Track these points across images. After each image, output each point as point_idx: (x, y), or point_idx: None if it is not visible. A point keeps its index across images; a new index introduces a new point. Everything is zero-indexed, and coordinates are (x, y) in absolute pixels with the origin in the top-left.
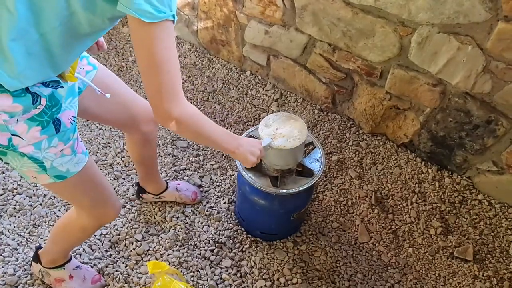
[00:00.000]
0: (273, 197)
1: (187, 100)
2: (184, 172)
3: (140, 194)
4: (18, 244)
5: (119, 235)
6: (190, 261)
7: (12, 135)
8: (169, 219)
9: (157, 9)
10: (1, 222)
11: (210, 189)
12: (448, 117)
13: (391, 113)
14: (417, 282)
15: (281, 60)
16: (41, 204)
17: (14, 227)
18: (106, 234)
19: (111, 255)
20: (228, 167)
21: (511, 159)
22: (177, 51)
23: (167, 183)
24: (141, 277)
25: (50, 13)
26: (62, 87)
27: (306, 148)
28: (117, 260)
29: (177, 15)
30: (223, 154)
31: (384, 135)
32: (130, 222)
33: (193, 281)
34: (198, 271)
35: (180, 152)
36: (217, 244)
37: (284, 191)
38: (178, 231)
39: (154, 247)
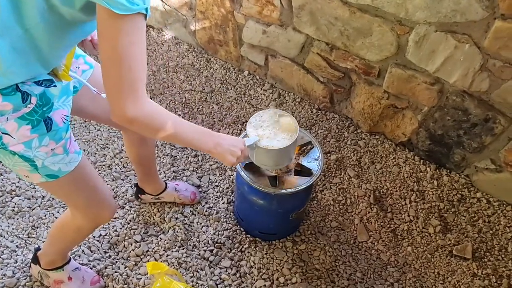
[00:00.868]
0: (271, 197)
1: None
2: (183, 173)
3: (139, 195)
4: (17, 246)
5: (118, 236)
6: (190, 262)
7: (2, 133)
8: (168, 219)
9: (130, 1)
10: (0, 224)
11: (209, 189)
12: (446, 116)
13: (389, 112)
14: (416, 281)
15: (279, 59)
16: (39, 206)
17: (13, 229)
18: (105, 235)
19: (110, 256)
20: (227, 167)
21: (509, 157)
22: (146, 47)
23: (166, 183)
24: (141, 278)
25: (30, 8)
26: (55, 86)
27: (304, 147)
28: (116, 261)
29: (174, 15)
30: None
31: (382, 134)
32: (129, 223)
33: (192, 281)
34: (197, 271)
35: (178, 153)
36: (216, 245)
37: (283, 191)
38: (177, 232)
39: (153, 248)
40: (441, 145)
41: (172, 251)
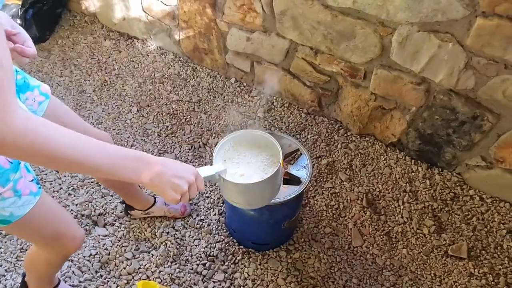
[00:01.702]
0: (261, 208)
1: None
2: None
3: (128, 211)
4: (5, 270)
5: (109, 254)
6: (183, 277)
7: None
8: (159, 234)
9: None
10: None
11: (199, 201)
12: (434, 115)
13: (377, 113)
14: (413, 284)
15: (265, 65)
16: None
17: (1, 252)
18: (96, 254)
19: (101, 275)
20: None
21: (499, 154)
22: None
23: (155, 197)
24: None
25: None
26: None
27: (293, 154)
28: (108, 281)
29: (158, 25)
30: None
31: (372, 136)
32: (119, 241)
33: None
34: (191, 286)
35: None
36: (209, 258)
37: (272, 200)
38: (169, 247)
39: (145, 265)
40: (431, 144)
41: (165, 267)
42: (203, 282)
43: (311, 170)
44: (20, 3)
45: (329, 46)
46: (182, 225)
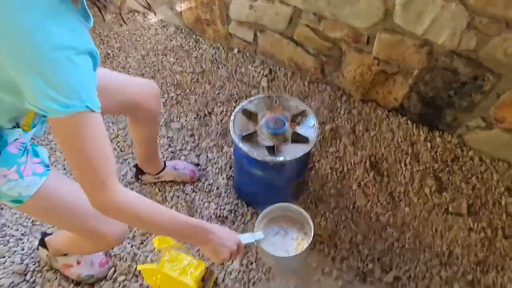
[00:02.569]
0: (270, 167)
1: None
2: (181, 152)
3: (139, 176)
4: (22, 234)
5: None
6: None
7: None
8: (170, 198)
9: (63, 104)
10: (3, 215)
11: (208, 167)
12: (436, 77)
13: (380, 78)
14: (415, 239)
15: (268, 34)
16: None
17: (17, 218)
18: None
19: None
20: (224, 144)
21: (499, 114)
22: (106, 133)
23: (165, 163)
24: (148, 256)
25: None
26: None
27: (300, 115)
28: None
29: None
30: (217, 132)
31: (374, 101)
32: None
33: (198, 255)
34: None
35: (174, 133)
36: (219, 218)
37: (281, 159)
38: (180, 210)
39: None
40: (432, 107)
41: None
42: None
43: (318, 130)
44: None
45: (332, 11)
46: (191, 189)
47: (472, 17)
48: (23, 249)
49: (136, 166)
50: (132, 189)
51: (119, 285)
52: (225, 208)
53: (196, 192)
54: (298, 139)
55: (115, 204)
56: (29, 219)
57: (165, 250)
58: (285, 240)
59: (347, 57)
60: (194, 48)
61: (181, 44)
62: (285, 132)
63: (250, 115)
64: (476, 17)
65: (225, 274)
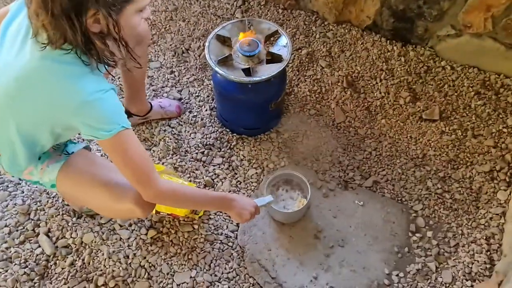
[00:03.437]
0: (248, 89)
1: (153, 21)
2: (163, 90)
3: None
4: (19, 179)
5: None
6: (185, 165)
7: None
8: (157, 133)
9: (106, 130)
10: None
11: (190, 100)
12: None
13: None
14: (392, 146)
15: None
16: None
17: None
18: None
19: None
20: (204, 77)
21: (467, 19)
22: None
23: (151, 103)
24: None
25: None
26: None
27: (273, 36)
28: None
29: None
30: (196, 67)
31: (348, 22)
32: None
33: (190, 181)
34: (193, 171)
35: (154, 72)
36: (206, 146)
37: (258, 78)
38: (168, 142)
39: None
40: (404, 21)
41: (167, 159)
42: (204, 167)
43: (291, 47)
44: None
45: None
46: (177, 122)
47: None
48: (23, 192)
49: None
50: None
51: None
52: (210, 137)
53: (181, 125)
54: (273, 59)
55: (160, 192)
56: None
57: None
58: (289, 199)
59: None
60: None
61: None
62: (259, 53)
63: (224, 40)
64: None
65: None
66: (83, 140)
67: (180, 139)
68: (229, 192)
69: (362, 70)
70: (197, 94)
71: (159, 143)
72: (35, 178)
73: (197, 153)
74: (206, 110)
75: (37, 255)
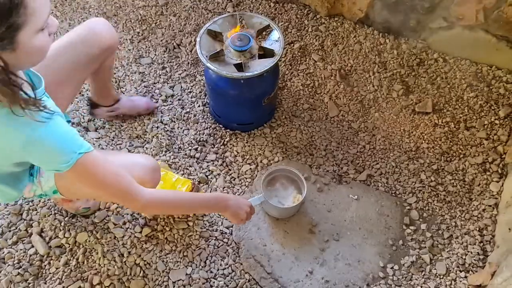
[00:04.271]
0: (241, 84)
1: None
2: (154, 86)
3: (93, 111)
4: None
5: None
6: (178, 162)
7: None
8: (149, 130)
9: (64, 162)
10: None
11: (183, 96)
12: None
13: None
14: (385, 140)
15: None
16: None
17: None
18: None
19: None
20: (196, 73)
21: (458, 11)
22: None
23: (119, 97)
24: None
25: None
26: None
27: (265, 30)
28: None
29: None
30: (188, 63)
31: (341, 15)
32: (113, 140)
33: (184, 177)
34: (187, 168)
35: (146, 68)
36: (199, 143)
37: (250, 73)
38: (161, 139)
39: None
40: (396, 13)
41: (160, 156)
42: (198, 164)
43: (283, 42)
44: None
45: None
46: (169, 119)
47: None
48: None
49: (90, 99)
50: (111, 125)
51: (113, 213)
52: (204, 133)
53: (174, 122)
54: (265, 53)
55: (146, 202)
56: None
57: None
58: (284, 195)
59: None
60: None
61: None
62: (251, 48)
63: (216, 35)
64: None
65: (210, 191)
66: None
67: (173, 135)
68: (223, 189)
69: (355, 64)
70: (189, 90)
71: (152, 140)
72: (38, 191)
73: (190, 150)
74: (199, 106)
75: (30, 255)
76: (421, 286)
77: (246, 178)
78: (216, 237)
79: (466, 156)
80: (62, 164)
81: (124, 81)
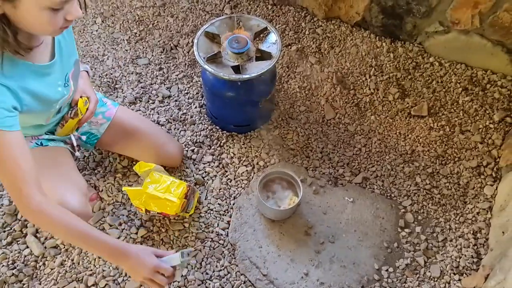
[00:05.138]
0: (238, 86)
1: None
2: (151, 87)
3: None
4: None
5: (101, 154)
6: None
7: None
8: None
9: None
10: None
11: (180, 98)
12: None
13: None
14: (381, 143)
15: None
16: None
17: None
18: (89, 156)
19: (99, 171)
20: (193, 74)
21: (454, 15)
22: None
23: None
24: (132, 185)
25: None
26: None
27: (262, 33)
28: (105, 175)
29: None
30: (186, 64)
31: (338, 18)
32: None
33: (180, 179)
34: (184, 170)
35: (143, 69)
36: (196, 144)
37: (247, 76)
38: None
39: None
40: (393, 17)
41: None
42: (194, 165)
43: (281, 44)
44: None
45: None
46: (166, 120)
47: None
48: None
49: None
50: None
51: (108, 214)
52: (200, 134)
53: (171, 123)
54: (262, 56)
55: (32, 212)
56: None
57: (147, 173)
58: (280, 197)
59: None
60: None
61: None
62: (248, 50)
63: (213, 37)
64: None
65: (207, 193)
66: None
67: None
68: (219, 191)
69: (352, 67)
70: (186, 91)
71: None
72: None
73: (187, 151)
74: (196, 108)
75: (25, 256)
76: None
77: (243, 180)
78: (212, 238)
79: (461, 159)
80: None
81: (121, 82)
